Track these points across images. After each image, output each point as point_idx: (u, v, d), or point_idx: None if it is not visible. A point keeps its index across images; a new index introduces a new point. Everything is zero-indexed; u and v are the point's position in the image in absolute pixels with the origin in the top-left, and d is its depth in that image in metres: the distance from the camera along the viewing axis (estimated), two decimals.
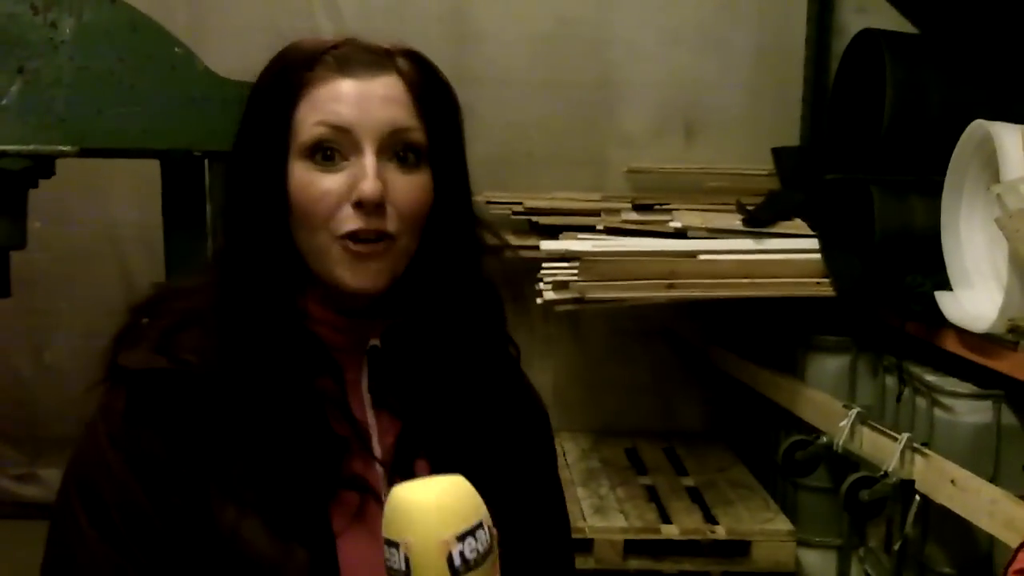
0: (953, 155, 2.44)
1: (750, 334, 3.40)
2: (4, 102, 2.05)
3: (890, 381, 2.75)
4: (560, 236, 3.08)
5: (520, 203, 3.31)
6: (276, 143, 1.05)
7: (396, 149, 1.05)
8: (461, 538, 0.91)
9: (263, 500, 1.03)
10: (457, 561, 0.90)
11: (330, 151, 1.04)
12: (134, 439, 1.04)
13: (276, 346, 1.06)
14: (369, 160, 1.03)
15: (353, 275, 1.04)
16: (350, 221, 1.03)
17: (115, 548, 1.02)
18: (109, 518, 1.03)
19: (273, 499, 1.03)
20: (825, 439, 2.65)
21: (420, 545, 0.90)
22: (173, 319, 1.08)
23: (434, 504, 0.92)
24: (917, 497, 2.28)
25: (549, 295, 2.84)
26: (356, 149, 1.04)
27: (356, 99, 1.04)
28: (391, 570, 0.93)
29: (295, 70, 1.06)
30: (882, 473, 2.33)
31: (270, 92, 1.07)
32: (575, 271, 2.82)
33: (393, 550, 0.91)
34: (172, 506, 1.03)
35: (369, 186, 1.02)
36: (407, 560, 0.90)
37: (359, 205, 1.02)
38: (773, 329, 3.25)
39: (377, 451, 1.10)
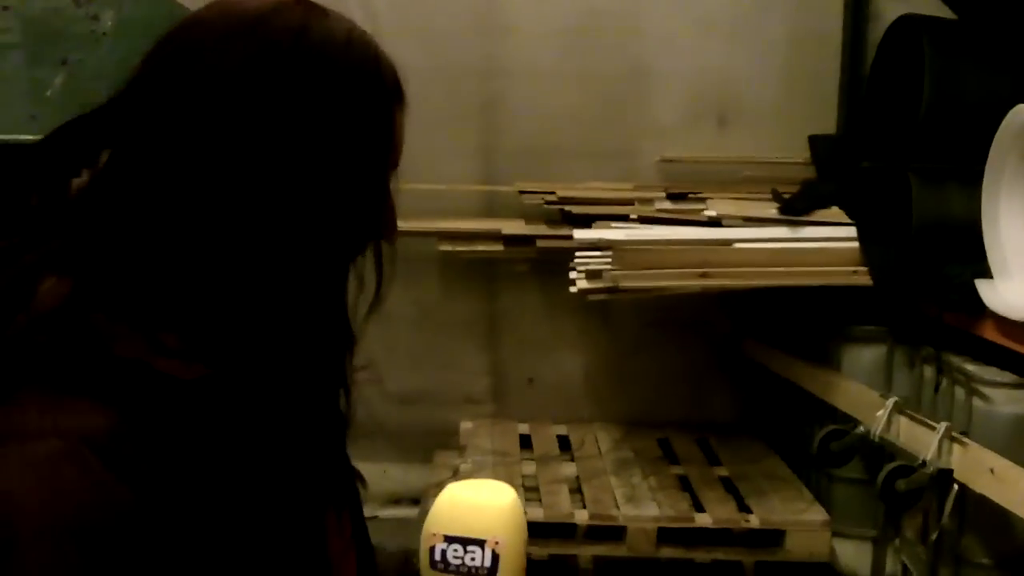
0: (993, 142, 2.41)
1: (783, 325, 3.38)
2: (48, 94, 2.07)
3: (927, 371, 2.73)
4: (593, 225, 3.08)
5: (553, 192, 3.30)
6: (384, 170, 0.98)
7: None
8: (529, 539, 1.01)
9: (263, 518, 0.95)
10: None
11: None
12: (134, 464, 0.84)
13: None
14: None
15: None
16: None
17: None
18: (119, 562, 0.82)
19: (273, 517, 0.96)
20: (861, 429, 2.64)
21: (511, 543, 0.97)
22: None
23: (517, 506, 1.00)
24: (955, 487, 2.27)
25: (582, 284, 2.84)
26: None
27: None
28: (464, 567, 0.97)
29: (391, 95, 0.97)
30: (920, 463, 2.32)
31: (375, 108, 0.96)
32: (608, 260, 2.81)
33: (474, 548, 0.97)
34: (175, 530, 0.86)
35: None
36: (496, 557, 0.96)
37: None
38: (807, 320, 3.24)
39: None
